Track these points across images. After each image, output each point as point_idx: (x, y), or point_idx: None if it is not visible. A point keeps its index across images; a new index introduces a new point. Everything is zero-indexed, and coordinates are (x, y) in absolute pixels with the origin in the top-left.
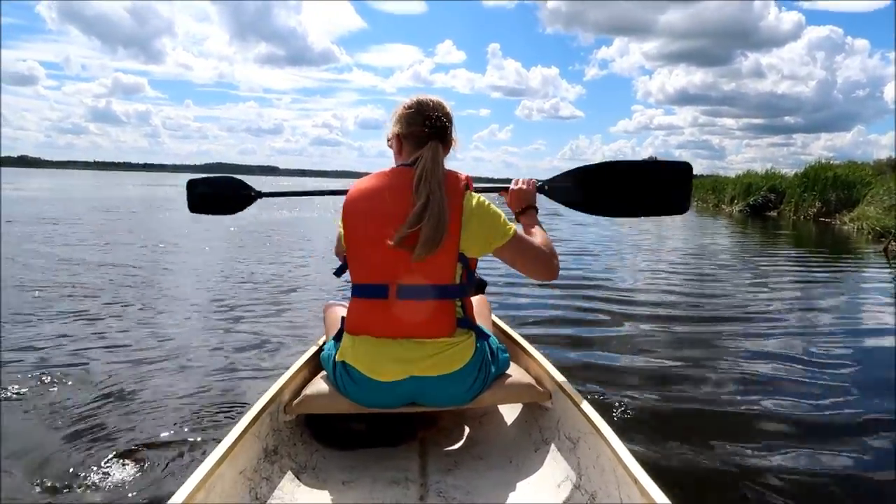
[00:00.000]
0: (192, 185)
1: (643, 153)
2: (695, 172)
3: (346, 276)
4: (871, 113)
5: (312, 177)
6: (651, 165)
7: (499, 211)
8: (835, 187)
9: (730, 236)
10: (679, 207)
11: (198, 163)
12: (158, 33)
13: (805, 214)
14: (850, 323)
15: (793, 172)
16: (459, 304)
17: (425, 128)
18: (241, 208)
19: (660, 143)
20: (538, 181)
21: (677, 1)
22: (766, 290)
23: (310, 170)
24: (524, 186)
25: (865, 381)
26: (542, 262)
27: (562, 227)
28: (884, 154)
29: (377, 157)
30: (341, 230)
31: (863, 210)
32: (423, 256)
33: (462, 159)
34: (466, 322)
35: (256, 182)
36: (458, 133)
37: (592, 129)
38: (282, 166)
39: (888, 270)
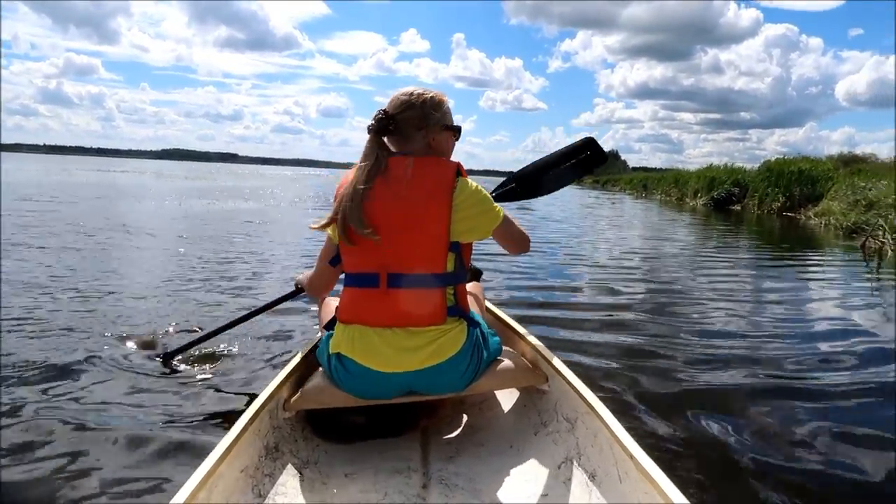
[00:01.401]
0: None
1: (605, 146)
2: (655, 166)
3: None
4: (823, 110)
5: (273, 165)
6: (561, 152)
7: (488, 195)
8: (798, 182)
9: (708, 234)
10: (597, 160)
11: (154, 148)
12: (113, 13)
13: (769, 209)
14: (843, 325)
15: (750, 167)
16: (452, 291)
17: (373, 120)
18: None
19: (620, 136)
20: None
21: None
22: (742, 288)
23: (270, 157)
24: None
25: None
26: (523, 238)
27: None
28: (834, 150)
29: (339, 146)
30: (329, 231)
31: (828, 205)
32: (349, 239)
33: None
34: (457, 310)
35: (216, 169)
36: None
37: (555, 121)
38: (241, 153)
39: (865, 268)
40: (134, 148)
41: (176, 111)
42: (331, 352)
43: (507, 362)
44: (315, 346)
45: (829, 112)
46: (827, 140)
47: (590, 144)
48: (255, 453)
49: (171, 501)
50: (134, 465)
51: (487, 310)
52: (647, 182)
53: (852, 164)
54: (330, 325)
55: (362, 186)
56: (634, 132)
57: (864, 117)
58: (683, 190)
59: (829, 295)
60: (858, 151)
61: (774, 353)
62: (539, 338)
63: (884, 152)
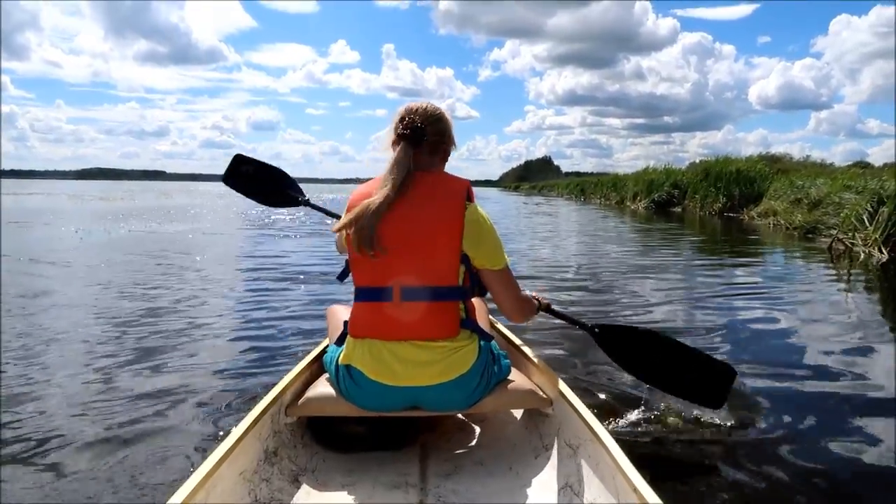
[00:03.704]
0: (239, 159)
1: (537, 153)
2: (586, 170)
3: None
4: (738, 113)
5: (203, 181)
6: (700, 357)
7: (498, 237)
8: (737, 182)
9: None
10: (714, 403)
11: (74, 168)
12: (21, 27)
13: (710, 210)
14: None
15: (682, 166)
16: (462, 305)
17: (398, 131)
18: (283, 205)
19: (552, 142)
20: (595, 326)
21: (564, 1)
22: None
23: (200, 174)
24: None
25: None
26: (518, 302)
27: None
28: (751, 150)
29: (272, 160)
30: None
31: (769, 205)
32: (372, 251)
33: (360, 161)
34: (470, 323)
35: (143, 187)
36: (358, 133)
37: (488, 129)
38: (169, 170)
39: (834, 270)
40: (52, 168)
41: (96, 129)
42: (341, 362)
43: (513, 383)
44: (322, 352)
45: (744, 115)
46: (744, 141)
47: (726, 376)
48: (255, 457)
49: (169, 501)
50: (133, 465)
51: (493, 327)
52: (584, 186)
53: (772, 164)
54: (340, 341)
55: (391, 199)
56: (565, 138)
57: (776, 119)
58: (622, 193)
59: (815, 303)
60: (774, 151)
61: (783, 365)
62: (545, 360)
63: (795, 151)
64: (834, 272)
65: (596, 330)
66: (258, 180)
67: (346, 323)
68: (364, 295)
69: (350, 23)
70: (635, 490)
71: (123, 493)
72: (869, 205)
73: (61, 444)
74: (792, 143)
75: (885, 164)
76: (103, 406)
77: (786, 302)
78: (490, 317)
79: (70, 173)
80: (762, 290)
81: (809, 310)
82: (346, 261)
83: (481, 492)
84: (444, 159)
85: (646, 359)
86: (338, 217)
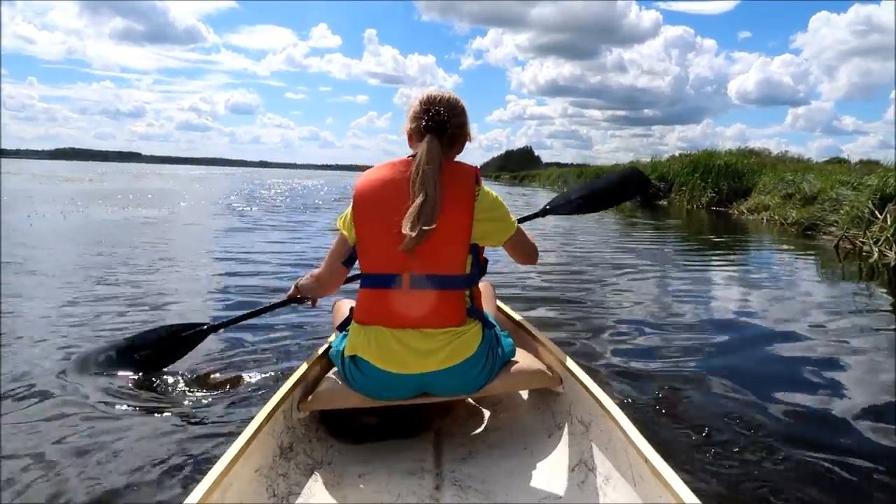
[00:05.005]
0: (121, 355)
1: (518, 142)
2: (567, 161)
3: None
4: (718, 107)
5: (180, 164)
6: (610, 178)
7: (505, 205)
8: (726, 176)
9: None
10: (638, 190)
11: (47, 147)
12: None
13: (698, 203)
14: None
15: (654, 160)
16: (468, 292)
17: (423, 122)
18: (189, 349)
19: (533, 132)
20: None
21: None
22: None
23: (177, 156)
24: None
25: None
26: (532, 250)
27: None
28: (729, 144)
29: (250, 144)
30: (344, 231)
31: (760, 199)
32: (412, 247)
33: (341, 146)
34: (473, 311)
35: (116, 169)
36: (339, 119)
37: (469, 117)
38: (145, 152)
39: (846, 271)
40: (24, 147)
41: (70, 108)
42: (346, 354)
43: (521, 364)
44: (329, 347)
45: (723, 109)
46: (722, 136)
47: (634, 174)
48: (270, 453)
49: (185, 502)
50: (147, 465)
51: (500, 310)
52: (567, 177)
53: (752, 158)
54: (343, 326)
55: (436, 200)
56: (546, 128)
57: (754, 114)
58: None
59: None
60: (752, 146)
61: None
62: (552, 339)
63: (772, 146)
64: (847, 273)
65: (547, 207)
66: (157, 352)
67: (351, 310)
68: (372, 282)
69: (332, 6)
70: (647, 462)
71: (134, 496)
72: (870, 201)
73: (64, 446)
74: (769, 139)
75: (861, 161)
76: (105, 406)
77: (802, 310)
78: (497, 301)
79: (43, 153)
80: (777, 296)
81: (827, 314)
82: (353, 247)
83: (497, 473)
84: (460, 150)
85: (582, 201)
86: (248, 316)
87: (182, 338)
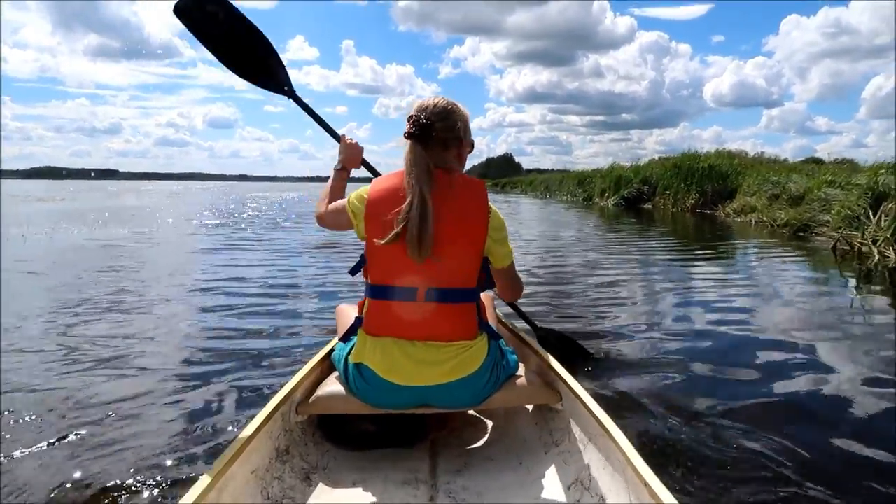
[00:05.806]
0: None
1: (498, 150)
2: (547, 167)
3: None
4: (693, 111)
5: (158, 179)
6: (571, 340)
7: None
8: (710, 178)
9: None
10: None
11: (22, 167)
12: None
13: (682, 206)
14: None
15: (641, 162)
16: (476, 304)
17: (406, 129)
18: (260, 83)
19: (513, 139)
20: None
21: (524, 2)
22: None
23: (154, 172)
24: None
25: None
26: (520, 286)
27: None
28: (706, 147)
29: (230, 158)
30: (351, 212)
31: (745, 201)
32: (421, 257)
33: (321, 158)
34: (484, 324)
35: (91, 186)
36: (319, 131)
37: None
38: (122, 169)
39: (844, 271)
40: None
41: (44, 126)
42: (351, 360)
43: (522, 379)
44: (331, 351)
45: (699, 112)
46: (699, 138)
47: (582, 349)
48: (266, 455)
49: (181, 501)
50: (145, 464)
51: (502, 323)
52: (548, 183)
53: (730, 160)
54: (348, 335)
55: (426, 201)
56: (525, 135)
57: (730, 117)
58: (589, 190)
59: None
60: (729, 148)
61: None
62: (554, 356)
63: (749, 148)
64: (847, 275)
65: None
66: (229, 35)
67: (357, 319)
68: (382, 293)
69: (308, 19)
70: (645, 484)
71: (135, 494)
72: (862, 200)
73: (64, 445)
74: (745, 140)
75: (836, 160)
76: (105, 406)
77: (807, 317)
78: (497, 312)
79: (18, 172)
80: (785, 302)
81: (834, 319)
82: (362, 255)
83: (491, 487)
84: (460, 156)
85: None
86: (335, 133)
87: (265, 63)
